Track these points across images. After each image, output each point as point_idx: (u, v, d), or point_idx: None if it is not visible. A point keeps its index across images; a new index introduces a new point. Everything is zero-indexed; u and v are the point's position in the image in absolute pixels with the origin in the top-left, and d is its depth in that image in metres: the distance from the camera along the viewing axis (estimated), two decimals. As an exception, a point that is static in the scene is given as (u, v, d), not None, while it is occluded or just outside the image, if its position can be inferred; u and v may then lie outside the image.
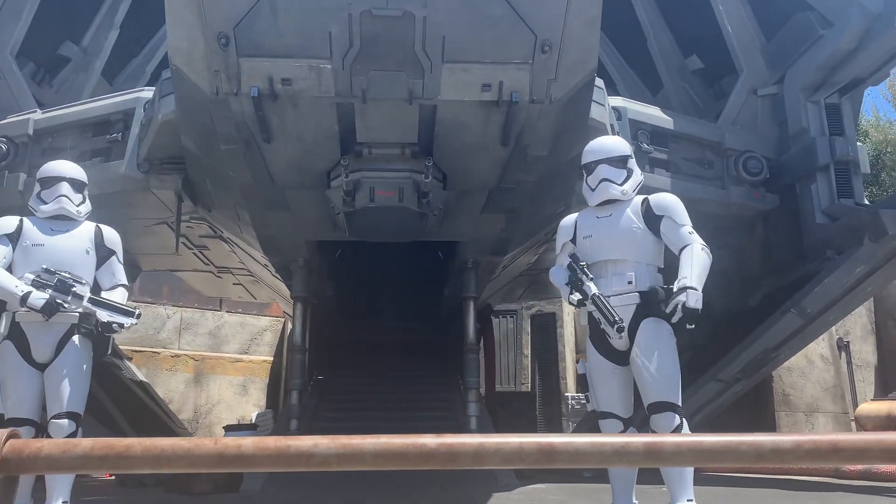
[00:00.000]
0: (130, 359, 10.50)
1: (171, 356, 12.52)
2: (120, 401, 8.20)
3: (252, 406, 12.83)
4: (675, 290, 3.75)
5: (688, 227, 3.97)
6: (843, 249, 6.62)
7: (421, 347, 9.25)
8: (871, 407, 8.48)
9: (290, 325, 12.11)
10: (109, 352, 4.36)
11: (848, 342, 10.41)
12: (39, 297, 3.91)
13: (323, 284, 8.19)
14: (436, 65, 4.69)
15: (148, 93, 6.34)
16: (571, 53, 4.81)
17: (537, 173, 5.77)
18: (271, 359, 13.17)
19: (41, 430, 3.93)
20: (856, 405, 9.84)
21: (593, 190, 4.13)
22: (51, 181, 4.38)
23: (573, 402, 12.20)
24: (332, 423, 7.28)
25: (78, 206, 4.40)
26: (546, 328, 13.43)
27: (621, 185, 4.09)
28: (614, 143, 4.31)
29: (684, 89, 8.70)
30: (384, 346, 9.24)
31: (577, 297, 3.89)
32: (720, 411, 7.14)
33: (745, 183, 7.17)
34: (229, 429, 8.73)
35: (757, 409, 9.22)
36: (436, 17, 4.46)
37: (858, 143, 7.17)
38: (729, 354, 6.85)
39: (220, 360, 13.01)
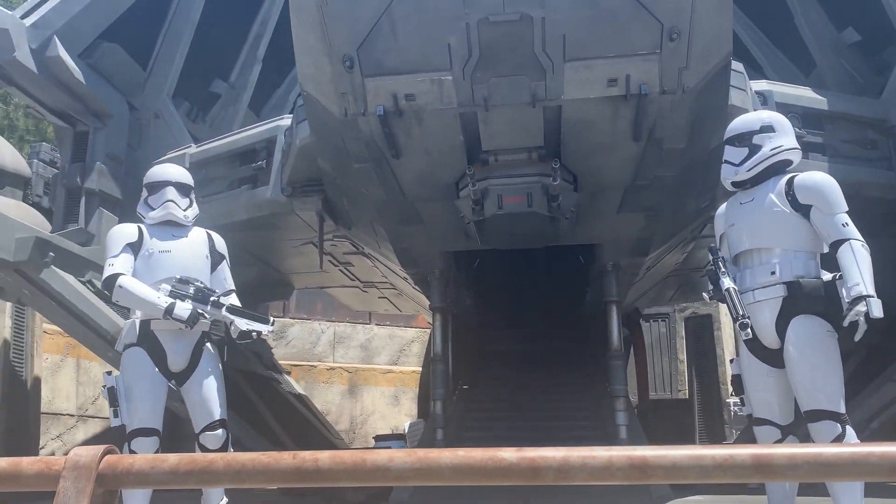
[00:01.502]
0: (289, 373, 11.07)
1: (327, 369, 13.09)
2: (279, 413, 8.65)
3: (404, 416, 13.14)
4: (846, 298, 3.33)
5: (842, 216, 3.53)
6: None
7: (564, 355, 9.05)
8: None
9: (436, 336, 12.29)
10: (225, 358, 4.30)
11: None
12: (184, 309, 3.90)
13: (462, 294, 8.23)
14: (557, 65, 4.59)
15: (287, 120, 6.67)
16: (702, 38, 4.55)
17: (675, 167, 5.49)
18: (420, 369, 13.43)
19: (162, 440, 3.90)
20: None
21: (738, 165, 3.83)
22: (157, 186, 4.31)
23: (735, 408, 11.44)
24: (477, 433, 7.27)
25: (185, 210, 4.33)
26: (702, 331, 12.75)
27: (738, 165, 3.77)
28: (737, 122, 4.00)
29: (841, 66, 7.99)
30: (527, 355, 9.13)
31: (712, 292, 3.64)
32: (902, 417, 6.42)
33: (917, 163, 6.45)
34: (379, 439, 8.96)
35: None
36: (554, 16, 4.37)
37: None
38: (908, 353, 6.16)
39: (372, 372, 13.44)
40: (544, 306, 9.62)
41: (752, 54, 8.35)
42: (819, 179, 3.67)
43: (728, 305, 3.52)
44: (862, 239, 3.48)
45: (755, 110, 5.86)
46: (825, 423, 3.29)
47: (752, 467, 0.98)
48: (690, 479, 1.01)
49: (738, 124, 3.94)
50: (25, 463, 1.11)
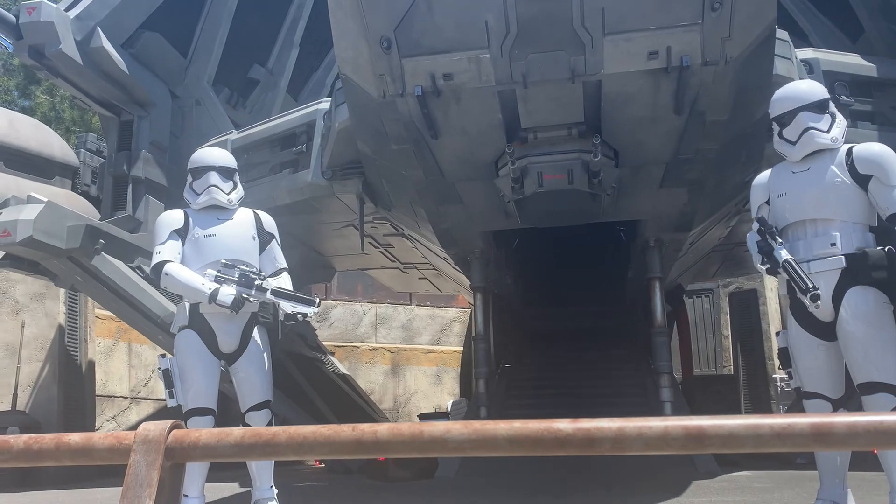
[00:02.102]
0: (333, 353, 11.24)
1: (370, 349, 13.25)
2: (325, 393, 8.79)
3: (447, 395, 13.25)
4: None
5: None
6: None
7: (607, 332, 9.02)
8: None
9: (477, 316, 12.34)
10: (280, 337, 4.34)
11: None
12: (227, 294, 3.93)
13: (502, 274, 8.24)
14: (597, 39, 4.52)
15: (326, 104, 6.71)
16: (746, 7, 4.44)
17: (719, 140, 5.38)
18: (461, 349, 13.50)
19: (217, 418, 3.96)
20: None
21: (794, 143, 3.64)
22: (200, 171, 4.32)
23: (782, 383, 11.31)
24: (520, 411, 7.31)
25: (229, 194, 4.32)
26: (747, 306, 12.54)
27: (828, 132, 3.59)
28: (810, 87, 3.79)
29: (890, 30, 7.72)
30: (569, 333, 9.12)
31: (766, 265, 3.51)
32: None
33: (973, 127, 6.22)
34: (422, 417, 9.06)
35: None
36: (592, -11, 4.30)
37: None
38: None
39: (415, 352, 13.56)
40: (586, 284, 9.58)
41: (796, 21, 8.13)
42: (880, 150, 3.56)
43: (792, 278, 3.39)
44: None
45: (800, 79, 5.73)
46: (880, 396, 3.22)
47: (810, 436, 0.97)
48: (747, 448, 1.01)
49: (814, 89, 3.75)
50: (97, 438, 1.17)
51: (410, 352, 13.51)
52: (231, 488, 5.60)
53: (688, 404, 8.17)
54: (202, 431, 1.13)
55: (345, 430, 1.09)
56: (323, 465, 8.38)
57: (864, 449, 0.98)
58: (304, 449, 1.12)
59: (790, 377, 3.63)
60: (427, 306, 13.87)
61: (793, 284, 3.38)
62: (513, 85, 4.79)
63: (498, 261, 7.75)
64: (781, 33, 5.38)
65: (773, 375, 11.84)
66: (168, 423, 1.13)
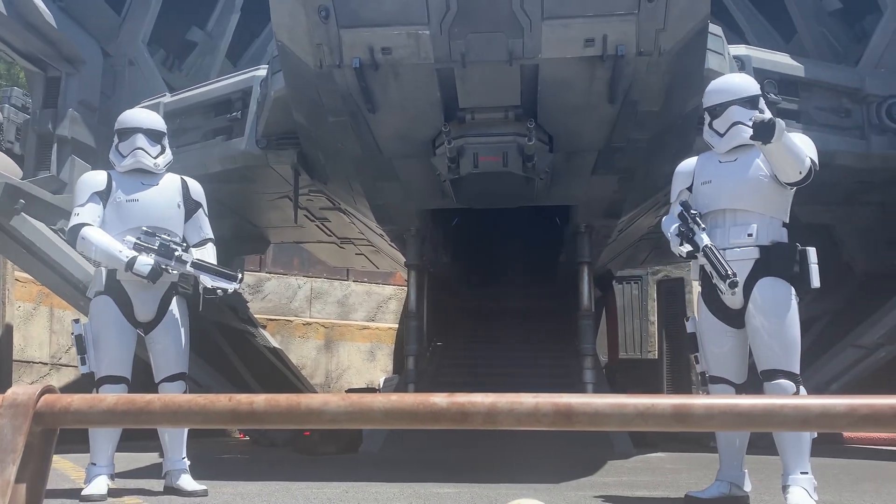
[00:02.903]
0: (265, 327, 11.12)
1: (303, 324, 13.15)
2: (253, 366, 8.70)
3: (380, 371, 13.27)
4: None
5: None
6: None
7: (538, 314, 9.16)
8: None
9: (413, 294, 12.37)
10: (201, 309, 4.18)
11: None
12: (145, 263, 3.79)
13: (439, 252, 8.26)
14: (535, 22, 4.56)
15: (263, 71, 6.57)
16: (680, 0, 4.52)
17: (650, 130, 5.50)
18: (396, 326, 13.53)
19: (130, 387, 3.87)
20: None
21: (722, 135, 3.72)
22: (126, 133, 4.11)
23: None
24: (448, 388, 7.35)
25: (155, 157, 4.13)
26: (673, 294, 12.87)
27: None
28: (743, 82, 3.87)
29: (821, 33, 7.99)
30: (502, 313, 9.23)
31: (686, 248, 3.58)
32: (861, 380, 6.60)
33: (890, 131, 6.53)
34: (351, 393, 9.06)
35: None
36: (532, -28, 4.31)
37: None
38: (870, 318, 6.31)
39: (349, 328, 13.52)
40: (521, 266, 9.70)
41: (735, 18, 8.33)
42: (800, 139, 3.68)
43: (711, 263, 3.49)
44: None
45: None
46: (781, 383, 3.38)
47: (671, 416, 1.01)
48: (612, 426, 1.05)
49: (747, 84, 3.83)
50: (-33, 400, 1.13)
51: (345, 327, 13.47)
52: (150, 458, 5.51)
53: (611, 387, 8.39)
54: (74, 397, 1.11)
55: (221, 400, 1.09)
56: (247, 438, 8.32)
57: (720, 430, 1.03)
58: (179, 418, 1.12)
59: (696, 361, 3.77)
60: (364, 282, 13.82)
61: (711, 270, 3.48)
62: (451, 64, 4.79)
63: (435, 239, 7.78)
64: (715, 29, 5.51)
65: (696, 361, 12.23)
66: (40, 386, 1.10)
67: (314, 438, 6.64)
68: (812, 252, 3.48)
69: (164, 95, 7.17)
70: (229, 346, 8.46)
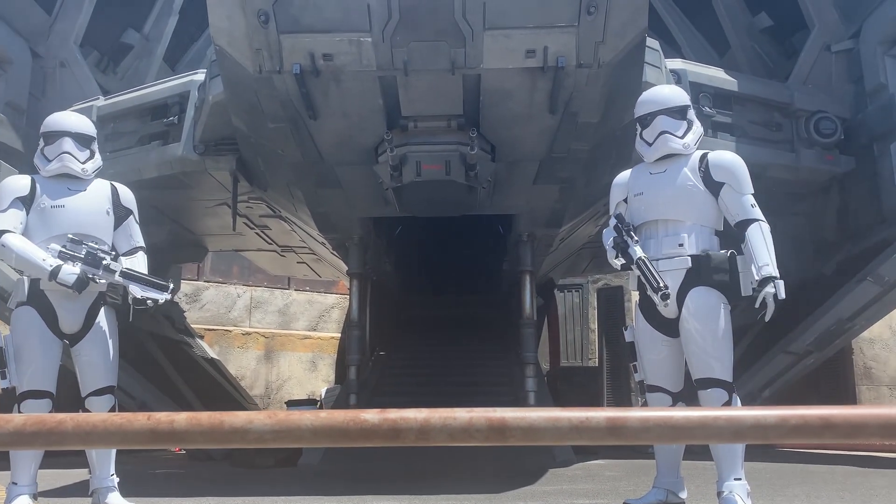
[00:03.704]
0: (202, 337, 10.84)
1: (243, 334, 12.88)
2: (190, 378, 8.47)
3: (321, 381, 13.09)
4: (755, 276, 3.45)
5: (750, 197, 3.65)
6: (926, 213, 6.19)
7: (481, 322, 9.19)
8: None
9: (355, 303, 12.26)
10: (131, 319, 3.99)
11: (937, 312, 9.77)
12: (70, 273, 3.64)
13: (381, 261, 8.21)
14: (477, 32, 4.57)
15: (202, 75, 6.42)
16: (620, 13, 4.61)
17: (590, 141, 5.58)
18: (339, 335, 13.38)
19: (55, 402, 3.71)
20: (946, 379, 9.25)
21: (650, 144, 3.79)
22: (53, 136, 3.96)
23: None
24: (392, 398, 7.32)
25: (84, 163, 3.97)
26: (613, 302, 13.08)
27: (682, 137, 3.76)
28: (672, 93, 3.95)
29: (753, 49, 8.27)
30: (444, 322, 9.23)
31: (620, 260, 3.65)
32: (792, 385, 6.82)
33: (817, 145, 6.78)
34: (291, 404, 8.91)
35: (835, 383, 8.80)
36: (475, -18, 4.33)
37: (943, 99, 6.65)
38: (800, 326, 6.52)
39: (290, 338, 13.30)
40: (464, 274, 9.73)
41: (671, 32, 8.55)
42: (733, 159, 3.79)
43: (643, 275, 3.54)
44: (764, 219, 3.63)
45: (668, 87, 6.02)
46: (714, 391, 3.45)
47: (606, 429, 1.01)
48: (546, 440, 1.04)
49: (675, 95, 3.91)
50: None
51: (286, 337, 13.24)
52: (77, 475, 5.29)
53: (553, 394, 8.47)
54: None
55: (139, 420, 1.03)
56: (183, 452, 8.09)
57: (656, 443, 1.03)
58: (94, 438, 1.05)
59: (635, 370, 3.81)
60: (306, 291, 13.63)
61: (644, 282, 3.55)
62: (394, 71, 4.77)
63: (377, 248, 7.73)
64: (652, 42, 5.63)
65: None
66: None
67: (252, 451, 6.49)
68: (742, 260, 3.57)
69: (98, 98, 6.94)
70: (165, 357, 8.22)
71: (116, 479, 3.74)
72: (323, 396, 11.32)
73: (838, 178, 6.99)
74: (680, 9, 8.79)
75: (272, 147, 5.73)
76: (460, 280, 10.01)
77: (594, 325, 13.17)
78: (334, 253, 7.90)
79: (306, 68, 4.74)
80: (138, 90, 6.89)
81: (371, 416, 1.01)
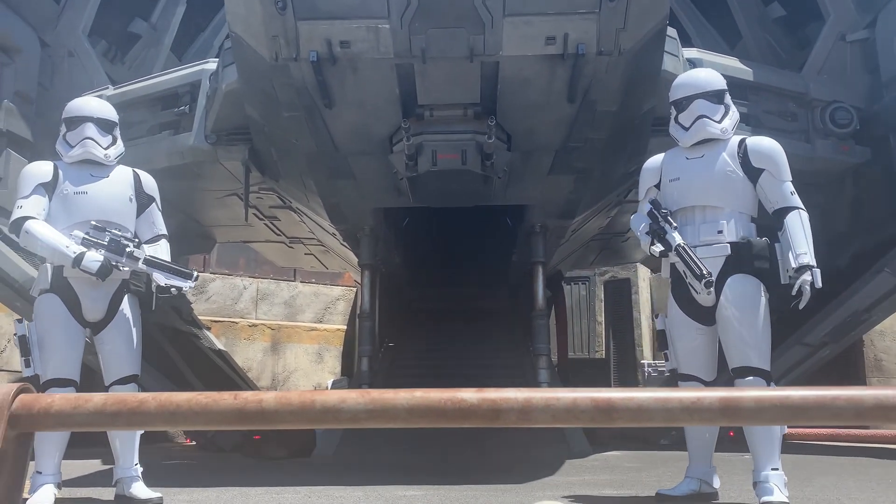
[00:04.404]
0: (209, 328, 10.79)
1: (249, 326, 12.84)
2: (199, 369, 8.42)
3: (328, 373, 13.06)
4: (793, 264, 3.40)
5: (789, 184, 3.59)
6: (943, 203, 6.15)
7: (491, 314, 9.15)
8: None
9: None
10: (154, 308, 3.99)
11: (947, 304, 9.73)
12: (94, 260, 3.59)
13: (391, 252, 8.17)
14: (497, 19, 4.52)
15: (213, 64, 6.38)
16: (641, 0, 4.55)
17: (607, 130, 5.53)
18: (345, 327, 13.34)
19: (79, 390, 3.60)
20: (956, 371, 9.22)
21: (687, 129, 3.71)
22: (75, 122, 3.92)
23: (650, 369, 11.91)
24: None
25: (106, 149, 3.93)
26: (620, 294, 13.10)
27: (720, 122, 3.68)
28: (709, 77, 3.86)
29: (765, 39, 8.21)
30: (454, 313, 9.18)
31: (658, 247, 3.55)
32: (806, 377, 6.78)
33: (833, 135, 6.72)
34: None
35: (846, 375, 8.76)
36: (495, -32, 4.28)
37: (961, 88, 6.60)
38: (816, 317, 6.47)
39: (296, 329, 13.27)
40: (472, 266, 9.67)
41: (681, 23, 8.48)
42: (772, 145, 3.71)
43: (685, 262, 3.46)
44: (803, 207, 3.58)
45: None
46: (753, 380, 3.38)
47: (719, 410, 0.97)
48: (656, 422, 1.00)
49: (713, 79, 3.83)
50: (-74, 403, 1.00)
51: (292, 329, 13.20)
52: (93, 465, 5.26)
53: (563, 386, 8.42)
54: (55, 396, 0.99)
55: (225, 399, 0.99)
56: (193, 443, 8.07)
57: (770, 424, 0.98)
58: (178, 419, 1.01)
59: (666, 359, 3.75)
60: (312, 283, 13.58)
61: (685, 269, 3.47)
62: (411, 59, 4.72)
63: (387, 239, 7.68)
64: (670, 31, 5.58)
65: (641, 361, 12.45)
66: (14, 385, 0.98)
67: (264, 442, 6.46)
68: (778, 248, 3.51)
69: (107, 88, 6.87)
70: (173, 348, 8.17)
71: (140, 469, 3.71)
72: (329, 388, 11.29)
73: (853, 169, 6.93)
74: (690, -1, 8.73)
75: (286, 137, 5.68)
76: (467, 272, 9.96)
77: (601, 318, 13.14)
78: (344, 244, 7.85)
79: (323, 56, 4.69)
80: (148, 79, 6.83)
81: (469, 395, 0.97)
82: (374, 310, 7.24)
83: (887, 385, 9.18)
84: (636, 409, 0.96)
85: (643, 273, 13.21)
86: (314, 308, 13.60)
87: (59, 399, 1.00)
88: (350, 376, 12.12)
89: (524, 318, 8.11)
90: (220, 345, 10.37)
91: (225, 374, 9.43)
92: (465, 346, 8.43)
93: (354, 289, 13.45)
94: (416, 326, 9.18)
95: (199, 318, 10.32)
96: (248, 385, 10.06)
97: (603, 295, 13.29)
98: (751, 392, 0.99)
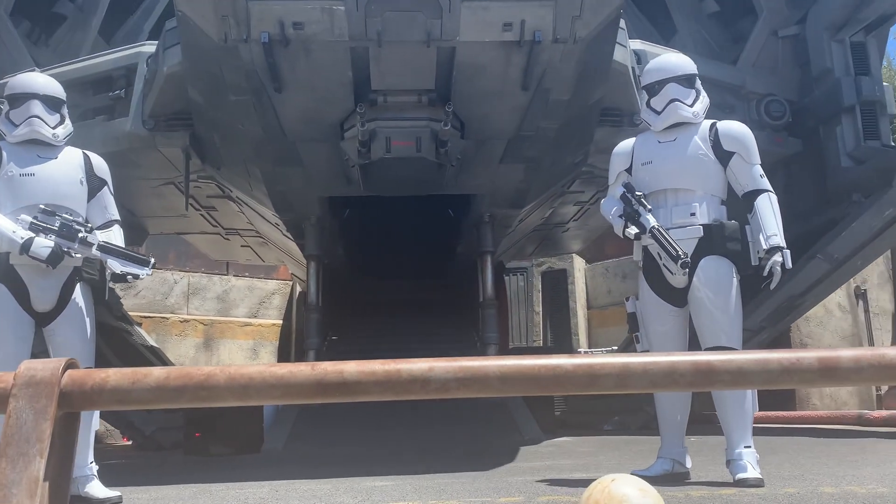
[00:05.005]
0: (140, 324, 10.38)
1: (181, 321, 12.42)
2: (132, 366, 8.07)
3: (263, 370, 12.76)
4: (764, 247, 3.46)
5: (759, 167, 3.67)
6: (870, 193, 6.45)
7: (435, 305, 9.11)
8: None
9: (298, 288, 11.99)
10: (107, 297, 3.82)
11: (865, 290, 10.28)
12: (44, 246, 3.38)
13: (334, 243, 8.03)
14: (455, 3, 4.48)
15: (150, 47, 6.10)
16: (597, -12, 4.59)
17: (558, 119, 5.56)
18: (281, 322, 13.06)
19: None
20: (873, 353, 9.73)
21: (659, 113, 3.73)
22: (20, 99, 3.68)
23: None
24: (349, 383, 7.17)
25: (54, 128, 3.71)
26: (557, 284, 13.30)
27: (692, 106, 3.73)
28: (681, 61, 3.92)
29: (699, 33, 8.41)
30: (397, 304, 9.10)
31: (633, 230, 3.57)
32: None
33: (768, 127, 6.96)
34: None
35: (775, 359, 9.12)
36: (454, -48, 4.23)
37: (885, 84, 6.94)
38: (753, 302, 6.68)
39: (230, 325, 12.92)
40: (414, 257, 9.61)
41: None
42: (742, 129, 3.79)
43: (661, 244, 3.48)
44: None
45: (632, 67, 6.07)
46: None
47: (818, 371, 0.95)
48: (756, 384, 0.97)
49: (684, 63, 3.88)
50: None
51: (225, 324, 12.84)
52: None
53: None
54: (109, 371, 0.89)
55: (302, 371, 0.91)
56: (130, 442, 7.75)
57: (869, 383, 0.98)
58: (251, 393, 0.92)
59: (637, 341, 3.79)
60: (245, 277, 13.23)
61: (660, 251, 3.50)
62: (366, 42, 4.62)
63: (332, 229, 7.54)
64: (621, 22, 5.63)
65: (578, 349, 12.68)
66: (61, 360, 0.88)
67: (207, 439, 6.25)
68: (748, 230, 3.60)
69: (34, 70, 6.47)
70: (105, 344, 7.81)
71: (96, 467, 3.50)
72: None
73: (785, 159, 7.20)
74: (627, -8, 8.87)
75: (231, 122, 5.49)
76: (409, 262, 9.89)
77: (538, 308, 13.31)
78: (287, 235, 7.66)
79: (275, 37, 4.55)
80: (79, 62, 6.48)
81: (565, 361, 0.92)
82: (320, 302, 7.10)
83: (812, 367, 9.61)
84: (736, 372, 0.93)
85: (579, 263, 13.45)
86: (248, 302, 13.28)
87: (115, 374, 0.89)
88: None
89: (470, 309, 8.11)
90: (152, 341, 9.99)
91: (159, 371, 9.10)
92: (410, 338, 8.37)
93: (290, 282, 13.19)
94: (359, 318, 9.05)
95: (129, 313, 9.91)
96: (183, 382, 9.71)
97: (540, 285, 13.45)
98: (848, 352, 0.98)
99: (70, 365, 0.91)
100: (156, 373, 0.92)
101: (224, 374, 0.91)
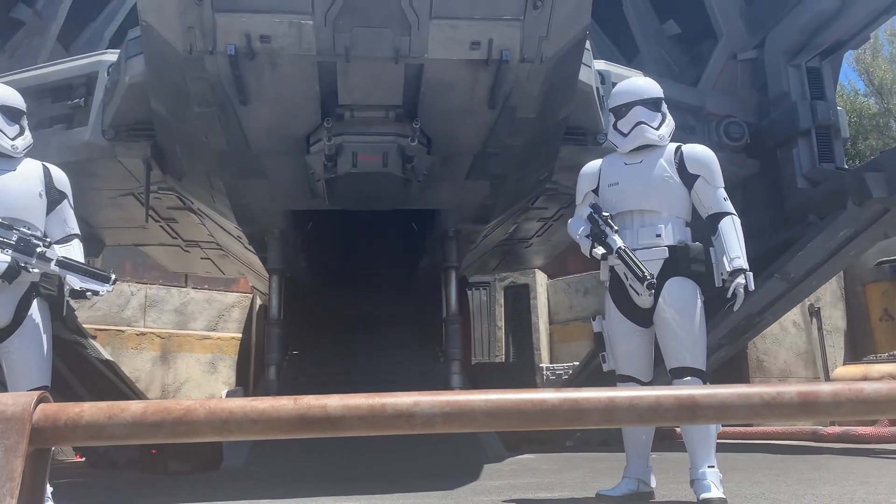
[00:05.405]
0: (94, 337, 10.13)
1: (137, 334, 12.15)
2: (86, 380, 7.87)
3: (221, 384, 12.56)
4: (727, 269, 3.51)
5: (722, 191, 3.74)
6: (824, 214, 6.62)
7: (398, 319, 9.07)
8: (845, 371, 8.59)
9: (258, 301, 11.83)
10: (65, 313, 3.76)
11: (819, 308, 10.54)
12: (0, 261, 3.33)
13: (297, 256, 7.95)
14: (423, 21, 4.48)
15: (112, 55, 5.99)
16: (564, 9, 4.64)
17: (524, 137, 5.60)
18: (240, 335, 12.87)
19: None
20: (826, 370, 9.99)
21: (626, 135, 3.81)
22: None
23: (548, 372, 12.20)
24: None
25: (13, 139, 3.66)
26: (519, 299, 13.37)
27: (657, 129, 3.81)
28: (647, 84, 4.00)
29: (661, 55, 8.59)
30: (359, 319, 9.03)
31: (600, 250, 3.61)
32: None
33: (727, 148, 7.10)
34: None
35: (732, 375, 9.29)
36: (423, -30, 4.25)
37: (839, 108, 7.16)
38: (713, 320, 6.80)
39: (188, 338, 12.68)
40: (377, 271, 9.56)
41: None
42: (707, 153, 3.86)
43: (628, 265, 3.53)
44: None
45: (596, 88, 6.16)
46: (690, 380, 3.48)
47: (798, 406, 0.96)
48: (739, 418, 0.98)
49: (651, 87, 3.96)
50: None
51: (183, 338, 12.60)
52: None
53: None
54: (84, 405, 0.86)
55: (284, 405, 0.89)
56: (83, 459, 7.53)
57: (847, 418, 0.99)
58: (231, 427, 0.90)
59: (604, 360, 3.82)
60: (204, 289, 13.02)
61: (626, 271, 3.55)
62: (334, 57, 4.61)
63: (295, 243, 7.46)
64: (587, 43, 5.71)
65: (540, 364, 12.73)
66: (33, 394, 0.84)
67: (164, 456, 6.11)
68: (712, 252, 3.66)
69: (-12, 76, 6.31)
70: (59, 358, 7.57)
71: (50, 489, 3.39)
72: (224, 398, 10.84)
73: (743, 180, 7.35)
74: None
75: (195, 133, 5.40)
76: (372, 277, 9.84)
77: (501, 323, 13.34)
78: (249, 248, 7.56)
79: (241, 50, 4.50)
80: (37, 69, 6.34)
81: (550, 395, 0.91)
82: (281, 316, 7.01)
83: (768, 383, 9.81)
84: (719, 406, 0.94)
85: (541, 279, 13.54)
86: (207, 315, 13.05)
87: (90, 408, 0.86)
88: (246, 386, 11.70)
89: (433, 324, 8.09)
90: (106, 354, 9.75)
91: (114, 384, 8.85)
92: (373, 353, 8.32)
93: (250, 295, 13.01)
94: (321, 333, 8.97)
95: (84, 326, 9.66)
96: (138, 396, 9.50)
97: (503, 300, 13.50)
98: (827, 386, 1.00)
99: (42, 399, 0.87)
100: (133, 407, 0.89)
101: (204, 408, 0.88)
